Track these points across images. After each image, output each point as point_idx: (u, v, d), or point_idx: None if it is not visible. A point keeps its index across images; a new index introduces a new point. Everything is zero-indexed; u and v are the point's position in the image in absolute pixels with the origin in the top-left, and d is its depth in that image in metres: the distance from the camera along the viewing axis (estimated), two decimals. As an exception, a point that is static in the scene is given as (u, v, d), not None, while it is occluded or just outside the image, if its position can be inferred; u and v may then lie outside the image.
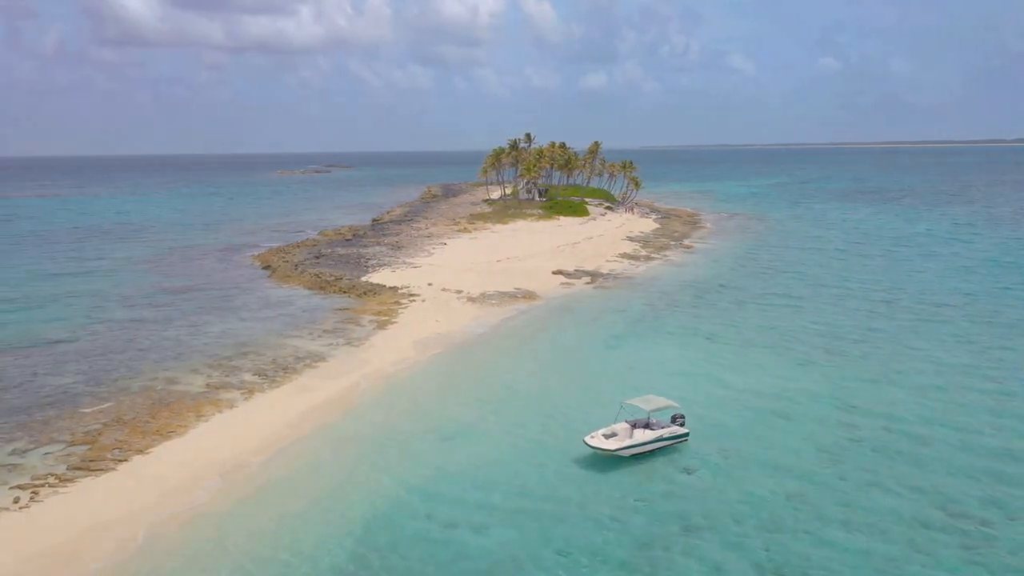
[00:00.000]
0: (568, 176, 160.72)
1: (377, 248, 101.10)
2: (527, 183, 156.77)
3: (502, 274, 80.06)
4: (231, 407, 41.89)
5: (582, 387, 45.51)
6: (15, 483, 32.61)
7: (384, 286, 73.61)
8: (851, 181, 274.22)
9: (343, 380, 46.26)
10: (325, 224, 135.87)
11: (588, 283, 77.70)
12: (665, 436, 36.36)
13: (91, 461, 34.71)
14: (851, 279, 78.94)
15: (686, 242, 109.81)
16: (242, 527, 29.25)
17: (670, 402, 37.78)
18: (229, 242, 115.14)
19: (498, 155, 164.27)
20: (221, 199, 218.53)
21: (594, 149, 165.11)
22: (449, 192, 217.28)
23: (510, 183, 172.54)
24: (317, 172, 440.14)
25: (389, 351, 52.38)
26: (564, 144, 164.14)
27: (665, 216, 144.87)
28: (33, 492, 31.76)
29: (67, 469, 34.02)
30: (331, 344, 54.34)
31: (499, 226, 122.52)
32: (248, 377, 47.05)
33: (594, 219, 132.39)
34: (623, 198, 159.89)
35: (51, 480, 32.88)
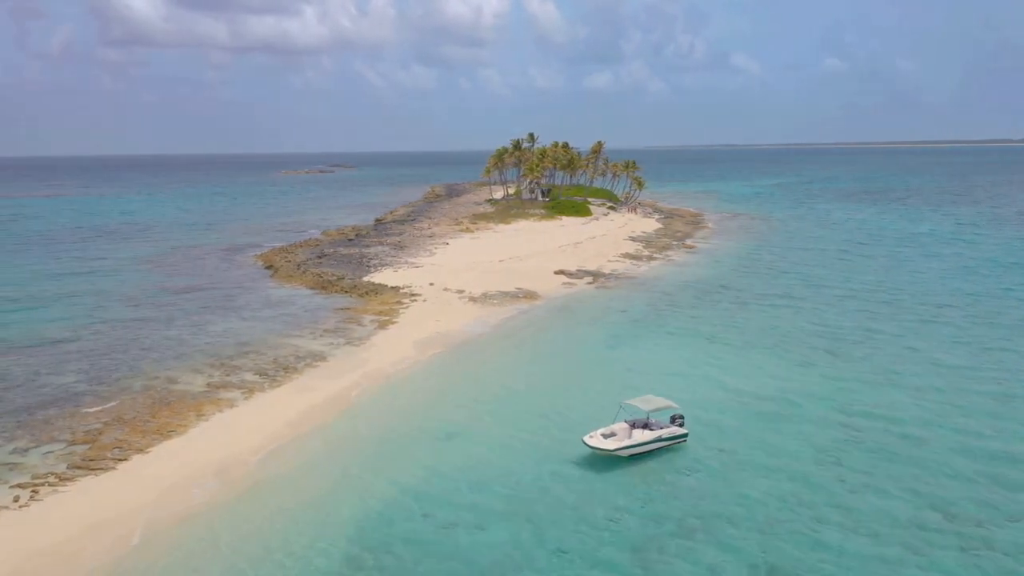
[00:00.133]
0: (571, 176, 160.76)
1: (379, 248, 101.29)
2: (530, 183, 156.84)
3: (504, 274, 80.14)
4: (231, 406, 42.05)
5: (581, 387, 45.54)
6: (15, 482, 32.80)
7: (386, 286, 73.75)
8: (856, 181, 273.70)
9: (343, 380, 46.39)
10: (328, 224, 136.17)
11: (590, 283, 77.73)
12: (664, 437, 36.38)
13: (91, 460, 34.88)
14: (853, 279, 78.81)
15: (688, 242, 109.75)
16: (237, 526, 29.36)
17: (669, 402, 37.78)
18: (232, 242, 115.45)
19: (501, 155, 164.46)
20: (225, 199, 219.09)
21: (597, 149, 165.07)
22: (452, 192, 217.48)
23: (513, 183, 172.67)
24: (321, 172, 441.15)
25: (389, 351, 52.49)
26: (567, 144, 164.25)
27: (668, 216, 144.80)
28: (33, 491, 31.93)
29: (67, 468, 34.20)
30: (332, 344, 54.48)
31: (502, 226, 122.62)
32: (249, 376, 47.21)
33: (597, 219, 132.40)
34: (626, 198, 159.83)
35: (51, 479, 33.05)
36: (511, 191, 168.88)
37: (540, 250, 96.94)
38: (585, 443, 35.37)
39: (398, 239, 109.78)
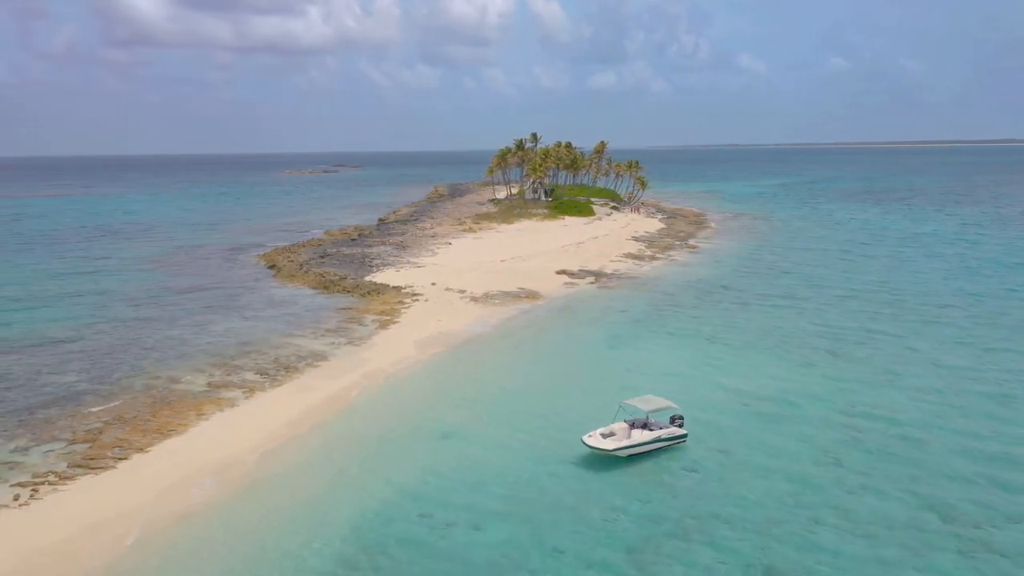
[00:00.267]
0: (574, 176, 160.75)
1: (382, 248, 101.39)
2: (533, 183, 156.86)
3: (506, 274, 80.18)
4: (232, 406, 42.16)
5: (581, 387, 45.54)
6: (16, 480, 32.93)
7: (388, 286, 73.84)
8: (859, 181, 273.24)
9: (343, 379, 46.47)
10: (331, 224, 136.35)
11: (591, 283, 77.73)
12: (663, 437, 36.37)
13: (91, 459, 35.00)
14: (855, 280, 78.69)
15: (691, 242, 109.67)
16: (233, 526, 29.44)
17: (669, 403, 37.75)
18: (236, 241, 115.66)
19: (504, 155, 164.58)
20: (229, 199, 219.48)
21: (600, 149, 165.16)
22: (456, 192, 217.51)
23: (516, 183, 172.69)
24: (325, 172, 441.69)
25: (390, 350, 52.56)
26: (570, 144, 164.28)
27: (671, 216, 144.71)
28: (33, 490, 32.05)
29: (67, 467, 34.32)
30: (333, 343, 54.57)
31: (504, 226, 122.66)
32: (250, 376, 47.32)
33: (599, 219, 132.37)
34: (629, 198, 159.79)
35: (51, 478, 33.17)
36: (514, 191, 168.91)
37: (543, 250, 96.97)
38: (584, 443, 35.38)
39: (401, 239, 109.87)
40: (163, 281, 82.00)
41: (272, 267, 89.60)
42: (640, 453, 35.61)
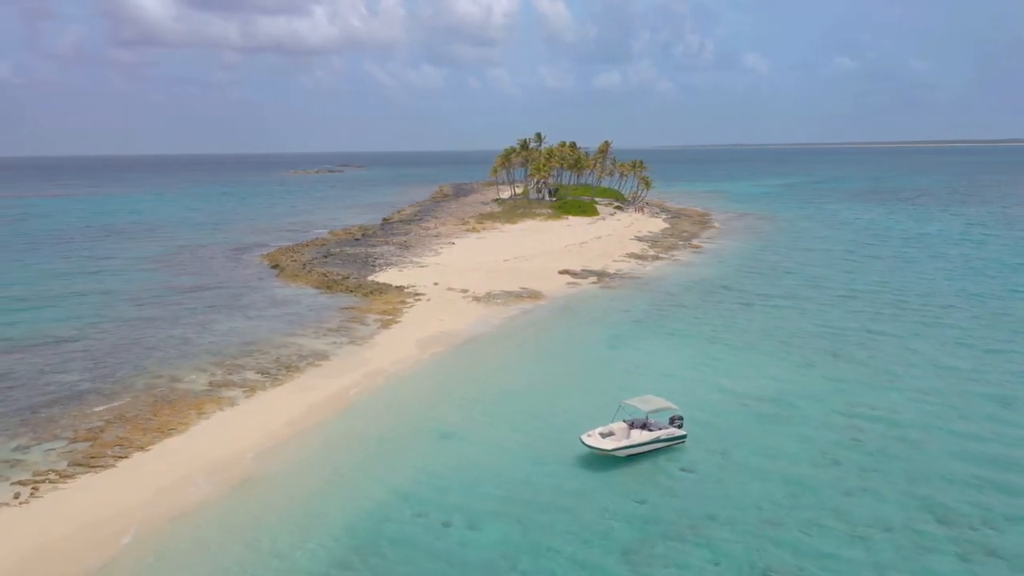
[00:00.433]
0: (578, 176, 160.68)
1: (385, 247, 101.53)
2: (537, 183, 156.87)
3: (508, 273, 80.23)
4: (233, 405, 42.31)
5: (581, 387, 45.55)
6: (16, 479, 33.10)
7: (390, 285, 73.97)
8: (865, 181, 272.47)
9: (344, 379, 46.57)
10: (335, 223, 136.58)
11: (594, 283, 77.73)
12: (662, 437, 36.36)
13: (92, 458, 35.17)
14: (858, 280, 78.51)
15: (695, 242, 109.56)
16: (229, 525, 29.53)
17: (668, 403, 37.72)
18: (240, 241, 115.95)
19: (508, 155, 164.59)
20: (233, 199, 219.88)
21: (604, 148, 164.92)
22: (460, 192, 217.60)
23: (520, 183, 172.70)
24: (330, 172, 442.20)
25: (392, 350, 52.67)
26: (574, 144, 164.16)
27: (675, 216, 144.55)
28: (33, 488, 32.21)
29: (68, 465, 34.49)
30: (335, 343, 54.70)
31: (508, 226, 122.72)
32: (251, 375, 47.47)
33: (603, 219, 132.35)
34: (633, 198, 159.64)
35: (51, 476, 33.34)
36: (518, 191, 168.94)
37: (546, 250, 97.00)
38: (583, 442, 35.38)
39: (404, 239, 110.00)
40: (167, 281, 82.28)
41: (275, 267, 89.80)
42: (639, 453, 35.61)
